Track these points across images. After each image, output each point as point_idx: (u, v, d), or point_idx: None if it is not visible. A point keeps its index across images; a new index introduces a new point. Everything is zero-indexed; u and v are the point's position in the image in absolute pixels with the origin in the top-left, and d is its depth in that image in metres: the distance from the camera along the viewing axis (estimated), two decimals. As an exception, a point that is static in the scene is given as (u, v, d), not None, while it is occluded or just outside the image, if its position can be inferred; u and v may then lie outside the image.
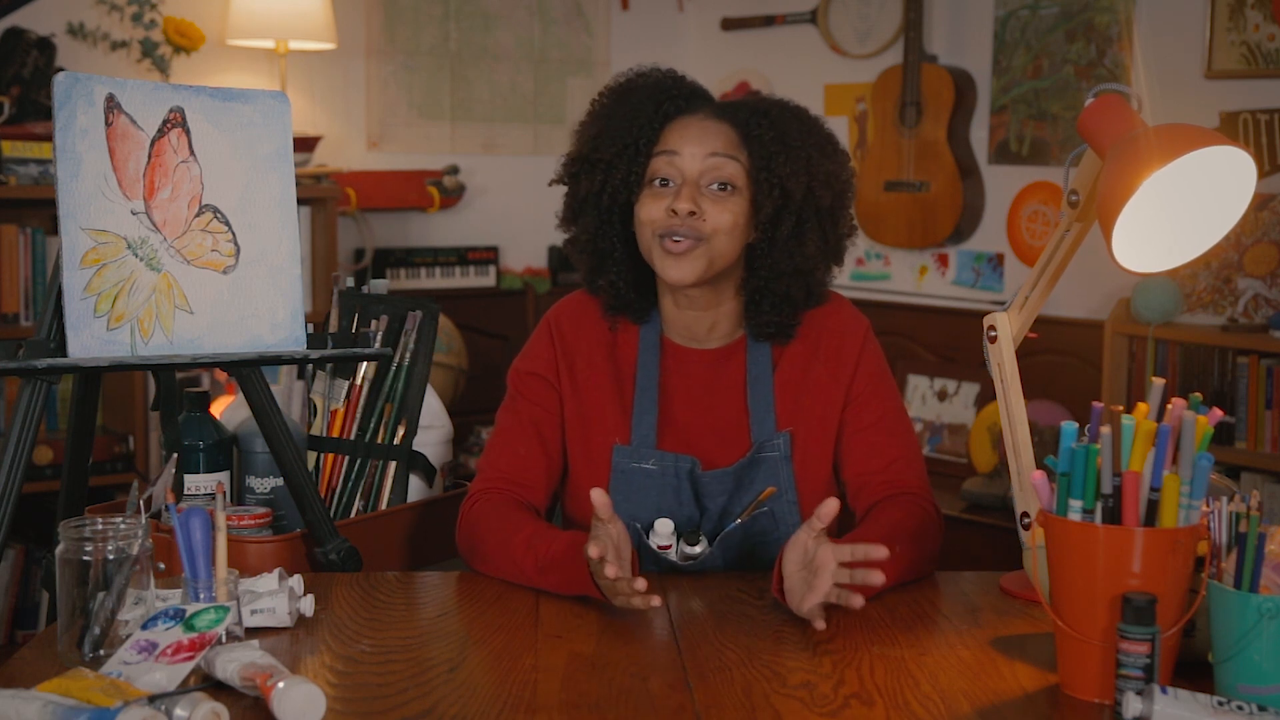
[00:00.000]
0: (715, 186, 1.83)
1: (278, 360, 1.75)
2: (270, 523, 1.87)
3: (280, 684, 1.31)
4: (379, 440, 2.03)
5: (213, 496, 1.84)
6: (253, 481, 1.96)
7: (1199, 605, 1.41)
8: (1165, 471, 1.38)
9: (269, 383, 1.79)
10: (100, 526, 1.50)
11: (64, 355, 1.60)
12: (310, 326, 1.76)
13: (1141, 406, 1.46)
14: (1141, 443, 1.39)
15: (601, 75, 4.90)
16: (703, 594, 1.73)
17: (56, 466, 3.45)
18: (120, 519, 1.51)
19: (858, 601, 1.55)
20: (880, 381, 1.91)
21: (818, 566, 1.58)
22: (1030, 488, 1.71)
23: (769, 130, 1.84)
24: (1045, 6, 4.02)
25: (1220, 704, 1.30)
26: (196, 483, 1.91)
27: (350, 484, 2.02)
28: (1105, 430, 1.39)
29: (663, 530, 1.81)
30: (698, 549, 1.81)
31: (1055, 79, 4.01)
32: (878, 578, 1.55)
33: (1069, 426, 1.42)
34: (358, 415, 2.04)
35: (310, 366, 2.07)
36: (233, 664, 1.37)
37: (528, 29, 4.79)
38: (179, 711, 1.26)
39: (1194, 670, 1.42)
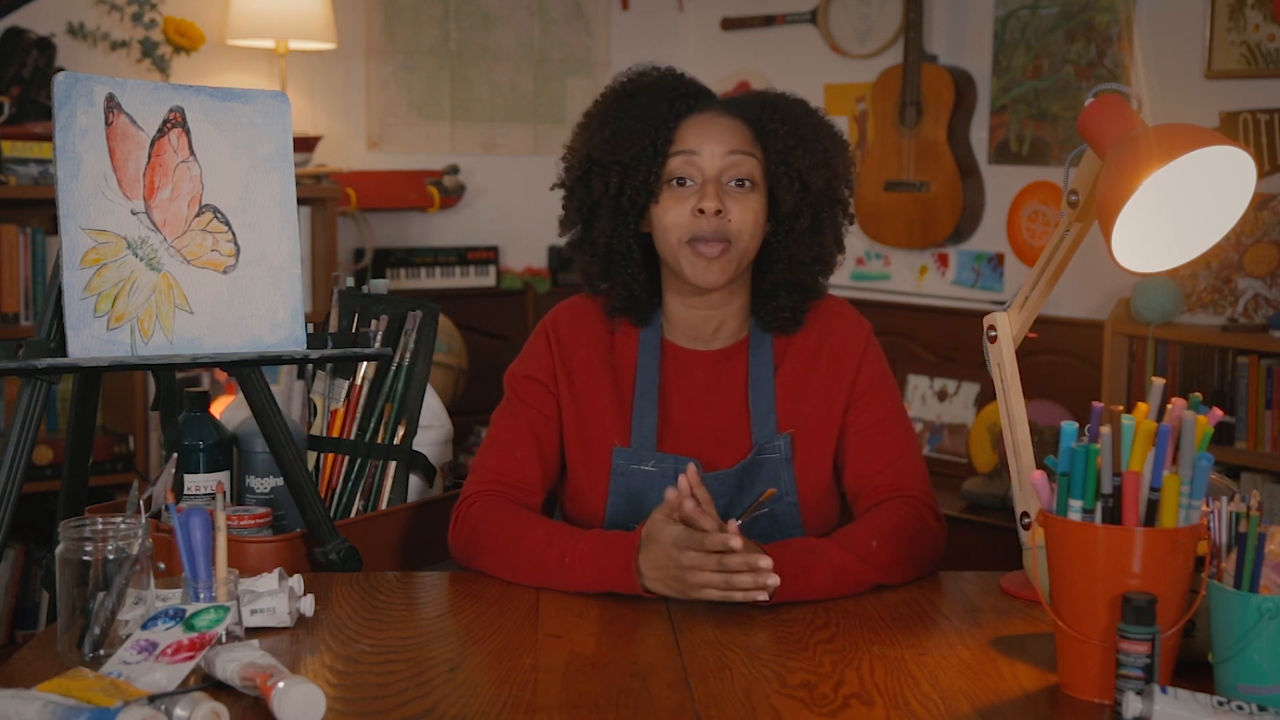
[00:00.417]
0: (735, 183, 1.83)
1: (278, 360, 1.75)
2: (270, 523, 1.87)
3: (280, 684, 1.31)
4: (379, 440, 2.03)
5: (213, 496, 1.84)
6: (253, 481, 1.96)
7: (1199, 605, 1.41)
8: (1165, 471, 1.38)
9: (269, 383, 1.79)
10: (100, 526, 1.50)
11: (64, 355, 1.60)
12: (310, 326, 1.76)
13: (1141, 406, 1.46)
14: (1141, 443, 1.39)
15: (601, 75, 4.90)
16: (703, 594, 1.73)
17: (56, 466, 3.45)
18: (120, 519, 1.51)
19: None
20: (881, 385, 1.91)
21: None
22: (1030, 488, 1.71)
23: (781, 125, 1.85)
24: (1045, 6, 4.02)
25: (1220, 704, 1.30)
26: (196, 483, 1.91)
27: (350, 484, 2.02)
28: (1105, 430, 1.39)
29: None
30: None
31: (1055, 79, 4.01)
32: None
33: (1069, 426, 1.42)
34: (358, 415, 2.04)
35: (310, 366, 2.07)
36: (233, 664, 1.37)
37: (528, 29, 4.79)
38: (179, 711, 1.26)
39: (1194, 670, 1.42)
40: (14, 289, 3.55)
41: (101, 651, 1.45)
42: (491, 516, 1.81)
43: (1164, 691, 1.30)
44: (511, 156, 4.77)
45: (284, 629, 1.58)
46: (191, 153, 1.69)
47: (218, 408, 2.20)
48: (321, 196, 3.99)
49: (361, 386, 2.04)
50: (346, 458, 2.03)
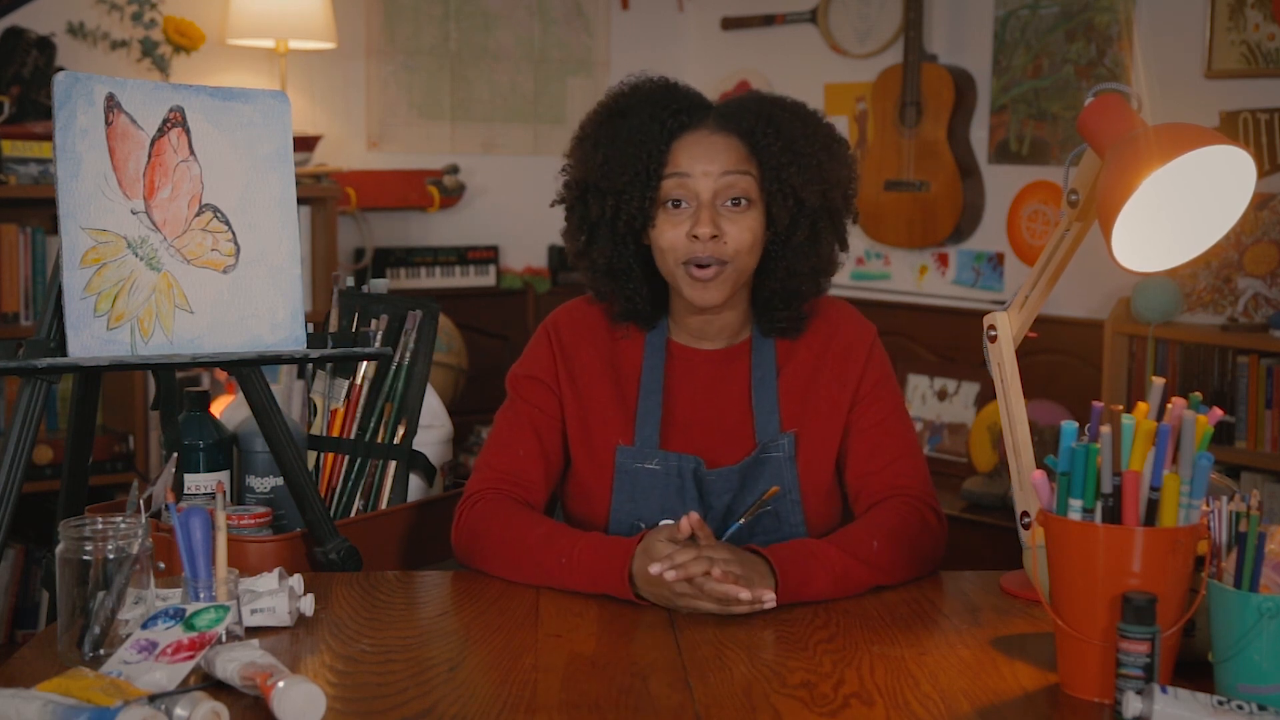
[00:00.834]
0: (730, 203, 1.83)
1: (278, 360, 1.75)
2: (270, 522, 1.87)
3: (280, 683, 1.31)
4: (379, 440, 2.03)
5: (213, 496, 1.84)
6: (253, 481, 1.96)
7: (1199, 605, 1.41)
8: (1165, 471, 1.38)
9: (269, 382, 1.79)
10: (100, 526, 1.50)
11: (64, 355, 1.60)
12: (310, 326, 1.76)
13: (1141, 406, 1.46)
14: (1141, 442, 1.39)
15: (601, 75, 4.90)
16: (703, 594, 1.73)
17: (56, 466, 3.45)
18: (120, 519, 1.51)
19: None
20: (885, 385, 1.91)
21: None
22: (1030, 487, 1.71)
23: (776, 140, 1.83)
24: (1045, 6, 4.02)
25: (1220, 704, 1.30)
26: (196, 482, 1.91)
27: (350, 483, 2.02)
28: (1105, 430, 1.39)
29: (665, 530, 1.81)
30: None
31: (1055, 79, 4.01)
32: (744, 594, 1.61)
33: (1069, 426, 1.42)
34: (358, 415, 2.04)
35: (310, 366, 2.07)
36: (233, 663, 1.37)
37: (528, 29, 4.79)
38: (179, 711, 1.26)
39: (1194, 670, 1.42)
40: (14, 289, 3.55)
41: (101, 651, 1.45)
42: (494, 514, 1.82)
43: (1164, 691, 1.30)
44: (511, 156, 4.77)
45: (284, 628, 1.58)
46: (191, 152, 1.69)
47: (218, 407, 2.20)
48: (321, 196, 3.99)
49: (361, 386, 2.04)
50: (346, 457, 2.03)
